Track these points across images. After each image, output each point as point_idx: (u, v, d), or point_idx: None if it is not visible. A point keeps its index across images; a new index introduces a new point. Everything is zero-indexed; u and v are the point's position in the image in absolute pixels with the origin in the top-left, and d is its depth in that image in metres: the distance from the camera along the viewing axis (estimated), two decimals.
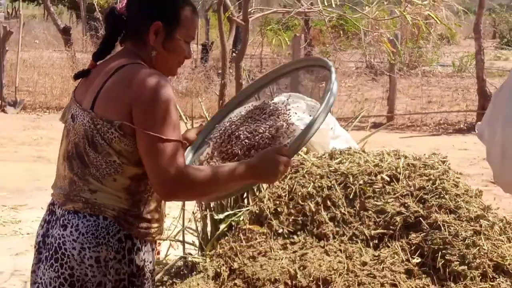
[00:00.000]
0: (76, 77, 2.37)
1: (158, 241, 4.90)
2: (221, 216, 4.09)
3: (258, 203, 3.78)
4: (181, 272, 4.16)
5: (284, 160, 2.19)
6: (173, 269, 4.24)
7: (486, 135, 2.37)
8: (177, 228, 4.58)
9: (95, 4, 17.20)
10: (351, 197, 3.64)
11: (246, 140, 2.48)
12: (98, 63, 2.35)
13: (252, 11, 4.79)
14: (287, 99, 4.45)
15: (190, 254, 4.36)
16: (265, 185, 4.45)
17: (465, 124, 11.78)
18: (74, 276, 2.20)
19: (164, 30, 2.27)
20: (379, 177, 3.73)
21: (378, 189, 3.67)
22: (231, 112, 2.75)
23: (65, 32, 16.63)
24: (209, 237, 4.24)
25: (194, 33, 2.39)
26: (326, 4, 4.59)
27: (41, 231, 2.34)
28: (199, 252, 4.32)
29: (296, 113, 2.60)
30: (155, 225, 2.32)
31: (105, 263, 2.20)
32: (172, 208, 4.35)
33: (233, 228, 3.87)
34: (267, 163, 2.18)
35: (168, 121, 2.12)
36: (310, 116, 2.50)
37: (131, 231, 2.25)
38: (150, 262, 2.34)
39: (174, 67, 2.37)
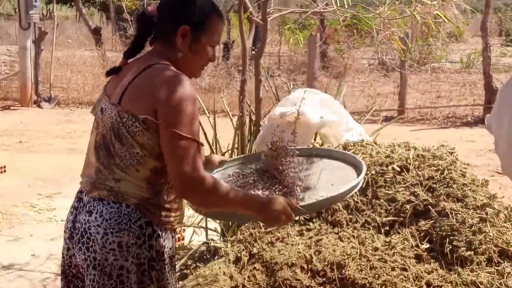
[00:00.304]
0: (108, 73, 2.40)
1: (183, 228, 4.93)
2: None
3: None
4: (204, 257, 4.17)
5: (290, 214, 2.25)
6: (197, 254, 4.26)
7: (494, 127, 2.34)
8: (200, 215, 4.59)
9: (124, 6, 17.24)
10: (363, 186, 3.62)
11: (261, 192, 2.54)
12: (128, 61, 2.37)
13: (270, 11, 4.77)
14: (304, 94, 4.46)
15: (212, 239, 4.37)
16: None
17: (472, 118, 11.68)
18: (96, 260, 2.23)
19: (191, 34, 2.30)
20: (390, 167, 3.71)
21: (389, 179, 3.66)
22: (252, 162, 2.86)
23: (96, 32, 16.69)
24: (230, 224, 4.25)
25: (219, 38, 2.41)
26: (339, 5, 4.57)
27: (71, 217, 2.36)
28: (221, 238, 4.34)
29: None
30: (174, 214, 2.34)
31: (127, 248, 2.22)
32: None
33: None
34: (275, 208, 2.23)
35: (189, 121, 2.14)
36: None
37: (152, 218, 2.27)
38: (170, 249, 2.35)
39: (198, 69, 2.40)
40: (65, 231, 2.38)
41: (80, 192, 2.37)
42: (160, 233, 2.29)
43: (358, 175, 2.56)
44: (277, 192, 2.47)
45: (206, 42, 2.34)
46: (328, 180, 2.61)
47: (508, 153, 2.19)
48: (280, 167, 2.61)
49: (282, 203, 2.25)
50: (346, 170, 2.67)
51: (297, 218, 3.45)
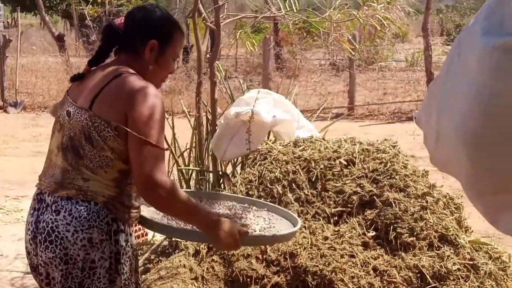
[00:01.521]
0: (72, 79, 2.40)
1: None
2: None
3: (231, 187, 3.79)
4: (166, 251, 4.16)
5: (237, 239, 2.27)
6: (159, 248, 4.24)
7: (423, 121, 2.39)
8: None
9: (86, 13, 17.02)
10: (313, 180, 3.66)
11: None
12: (92, 68, 2.38)
13: (223, 17, 4.77)
14: (257, 94, 4.48)
15: None
16: (239, 171, 4.47)
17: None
18: (68, 255, 2.22)
19: (158, 48, 2.33)
20: (337, 161, 3.75)
21: (337, 172, 3.70)
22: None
23: (59, 39, 16.44)
24: None
25: (180, 52, 2.44)
26: (288, 9, 4.59)
27: (31, 218, 2.33)
28: None
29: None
30: (135, 211, 2.36)
31: (96, 244, 2.23)
32: None
33: None
34: (226, 229, 2.25)
35: (157, 130, 2.17)
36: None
37: (117, 215, 2.28)
38: (131, 242, 2.37)
39: (160, 80, 2.47)
40: (26, 233, 2.35)
41: (39, 193, 2.35)
42: (123, 228, 2.31)
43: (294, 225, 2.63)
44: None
45: (169, 56, 2.39)
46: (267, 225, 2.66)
47: (435, 145, 2.24)
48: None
49: (234, 227, 2.28)
50: (283, 221, 2.73)
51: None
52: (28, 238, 2.35)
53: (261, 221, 2.65)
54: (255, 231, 2.51)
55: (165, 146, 2.23)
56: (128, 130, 2.17)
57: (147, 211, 2.49)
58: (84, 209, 2.22)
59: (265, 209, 2.84)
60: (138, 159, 2.16)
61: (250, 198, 3.12)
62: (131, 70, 2.29)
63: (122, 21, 2.39)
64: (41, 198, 2.33)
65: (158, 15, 2.37)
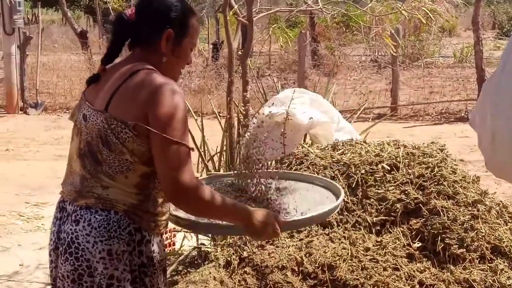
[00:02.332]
0: (88, 82, 2.39)
1: (173, 233, 4.94)
2: None
3: None
4: (195, 262, 4.18)
5: (276, 229, 2.29)
6: (188, 259, 4.26)
7: (477, 122, 2.37)
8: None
9: (110, 8, 17.22)
10: (353, 186, 3.65)
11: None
12: (107, 67, 2.37)
13: (256, 11, 4.78)
14: (292, 94, 4.48)
15: (203, 244, 4.38)
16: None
17: (466, 113, 11.70)
18: (91, 268, 2.23)
19: (174, 38, 2.31)
20: (379, 166, 3.73)
21: (379, 178, 3.68)
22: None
23: (82, 35, 16.67)
24: None
25: (197, 41, 2.44)
26: (326, 2, 4.59)
27: (54, 228, 2.36)
28: (211, 242, 4.34)
29: None
30: (162, 218, 2.35)
31: (117, 256, 2.23)
32: None
33: None
34: (263, 222, 2.27)
35: (181, 128, 2.17)
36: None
37: (141, 224, 2.28)
38: (159, 253, 2.36)
39: (178, 73, 2.43)
40: (49, 243, 2.38)
41: (62, 201, 2.37)
42: (149, 238, 2.31)
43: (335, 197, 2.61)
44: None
45: (187, 45, 2.37)
46: (302, 201, 2.64)
47: (490, 148, 2.21)
48: (253, 185, 2.66)
49: (270, 216, 2.29)
50: (320, 191, 2.72)
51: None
52: (50, 249, 2.38)
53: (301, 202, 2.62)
54: (293, 213, 2.49)
55: (192, 145, 2.23)
56: (150, 129, 2.16)
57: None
58: (103, 218, 2.23)
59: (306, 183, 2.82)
60: (163, 161, 2.16)
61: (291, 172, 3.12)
62: (148, 66, 2.27)
63: (133, 11, 2.35)
64: (63, 207, 2.35)
65: (171, 2, 2.34)
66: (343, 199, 2.63)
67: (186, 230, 3.90)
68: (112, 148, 2.22)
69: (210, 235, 4.42)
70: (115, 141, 2.21)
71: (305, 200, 2.63)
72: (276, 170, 2.87)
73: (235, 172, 2.83)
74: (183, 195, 2.16)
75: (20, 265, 5.06)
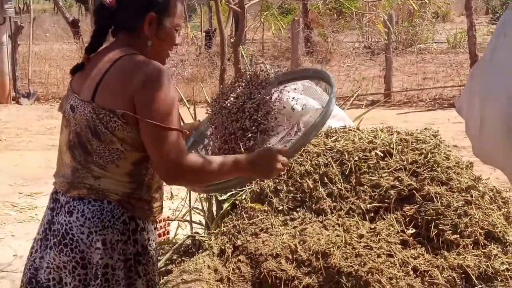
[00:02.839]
0: (72, 72, 2.38)
1: (167, 222, 4.93)
2: (224, 196, 4.10)
3: (259, 182, 3.79)
4: (189, 251, 4.18)
5: (283, 159, 2.28)
6: (182, 248, 4.26)
7: (465, 108, 2.36)
8: (185, 208, 4.60)
9: None
10: (347, 173, 3.64)
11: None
12: (91, 55, 2.35)
13: None
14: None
15: (197, 233, 4.38)
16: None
17: None
18: (85, 259, 2.22)
19: (157, 20, 2.29)
20: (373, 153, 3.73)
21: (372, 165, 3.68)
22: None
23: (74, 24, 16.60)
24: (214, 216, 4.26)
25: (182, 21, 2.40)
26: None
27: (46, 218, 2.35)
28: (206, 231, 4.34)
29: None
30: (156, 204, 2.35)
31: (111, 245, 2.22)
32: (180, 189, 4.36)
33: (236, 207, 3.88)
34: (266, 160, 2.27)
35: (168, 110, 2.15)
36: (307, 110, 2.59)
37: (134, 212, 2.27)
38: (154, 241, 2.36)
39: (165, 55, 2.40)
40: (38, 233, 2.37)
41: (55, 193, 2.35)
42: (143, 226, 2.30)
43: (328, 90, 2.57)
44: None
45: (171, 26, 2.33)
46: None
47: (479, 134, 2.20)
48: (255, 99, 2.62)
49: (270, 152, 2.28)
50: (314, 87, 2.69)
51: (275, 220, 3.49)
52: (37, 238, 2.36)
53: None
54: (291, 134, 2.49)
55: (182, 128, 2.21)
56: (137, 116, 2.15)
57: None
58: (97, 209, 2.22)
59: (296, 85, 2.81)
60: (155, 146, 2.15)
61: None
62: (133, 50, 2.25)
63: None
64: (56, 198, 2.33)
65: None
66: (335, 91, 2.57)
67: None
68: (102, 138, 2.20)
69: (204, 223, 4.42)
70: (104, 130, 2.19)
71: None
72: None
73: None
74: (179, 175, 2.17)
75: (14, 255, 5.06)
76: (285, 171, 3.33)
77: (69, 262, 2.23)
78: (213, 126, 2.73)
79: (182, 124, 2.43)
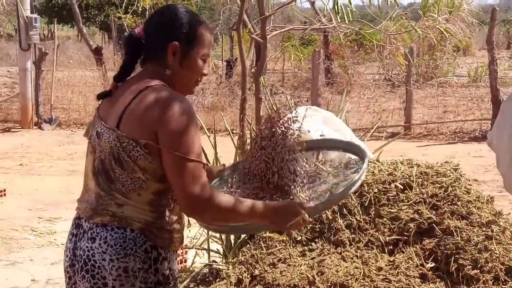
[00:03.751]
0: (99, 97, 2.40)
1: (185, 250, 4.93)
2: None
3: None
4: (207, 279, 4.17)
5: (304, 216, 2.24)
6: (199, 276, 4.25)
7: (495, 142, 2.35)
8: (202, 237, 4.60)
9: (125, 24, 17.36)
10: (366, 205, 3.63)
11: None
12: (119, 84, 2.38)
13: (270, 29, 4.80)
14: (305, 112, 4.48)
15: (214, 261, 4.37)
16: None
17: (480, 132, 11.66)
18: (107, 285, 2.22)
19: (181, 49, 2.31)
20: (393, 185, 3.72)
21: (392, 197, 3.66)
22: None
23: (97, 52, 16.78)
24: (232, 245, 4.25)
25: (209, 51, 2.41)
26: (339, 21, 4.59)
27: (70, 245, 2.36)
28: (223, 260, 4.33)
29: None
30: (177, 235, 2.35)
31: (133, 273, 2.22)
32: None
33: (254, 236, 3.87)
34: (287, 212, 2.24)
35: (191, 143, 2.16)
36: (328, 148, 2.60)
37: (156, 241, 2.27)
38: (175, 270, 2.36)
39: (192, 85, 2.40)
40: (65, 260, 2.38)
41: (78, 218, 2.37)
42: (165, 255, 2.31)
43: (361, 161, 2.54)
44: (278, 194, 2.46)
45: (196, 56, 2.35)
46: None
47: (509, 168, 2.18)
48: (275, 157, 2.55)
49: (293, 206, 2.25)
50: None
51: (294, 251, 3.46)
52: (66, 265, 2.37)
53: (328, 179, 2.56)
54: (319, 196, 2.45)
55: (204, 160, 2.22)
56: (159, 147, 2.17)
57: None
58: (119, 236, 2.23)
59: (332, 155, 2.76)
60: (177, 178, 2.16)
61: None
62: (157, 82, 2.27)
63: (141, 29, 2.37)
64: (79, 224, 2.35)
65: (176, 15, 2.33)
66: (367, 164, 2.55)
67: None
68: (124, 166, 2.22)
69: (221, 251, 4.41)
70: (127, 159, 2.21)
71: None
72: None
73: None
74: (199, 209, 2.17)
75: (32, 280, 5.07)
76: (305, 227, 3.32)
77: None
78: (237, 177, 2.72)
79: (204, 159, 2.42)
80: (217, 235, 4.46)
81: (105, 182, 2.27)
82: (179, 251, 4.89)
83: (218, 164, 4.86)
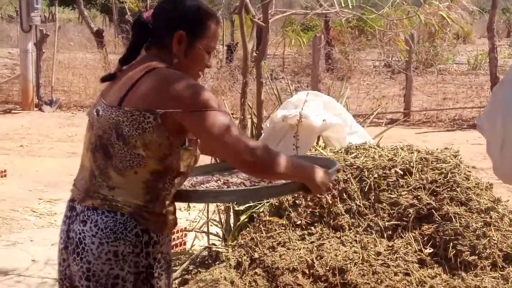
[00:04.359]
0: (103, 80, 2.39)
1: (184, 232, 4.94)
2: (242, 208, 4.09)
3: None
4: (206, 262, 4.17)
5: (328, 183, 2.36)
6: (198, 259, 4.26)
7: (486, 127, 2.35)
8: (202, 219, 4.60)
9: (126, 7, 17.29)
10: (366, 190, 3.63)
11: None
12: (124, 67, 2.37)
13: (272, 13, 4.77)
14: (306, 97, 4.47)
15: (214, 244, 4.37)
16: None
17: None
18: (90, 271, 2.21)
19: (186, 39, 2.30)
20: (393, 171, 3.71)
21: (392, 182, 3.66)
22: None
23: (98, 34, 16.72)
24: (232, 228, 4.26)
25: (215, 44, 2.41)
26: (343, 5, 4.56)
27: (64, 227, 2.35)
28: (223, 243, 4.34)
29: None
30: (171, 217, 2.33)
31: (123, 257, 2.21)
32: None
33: (254, 219, 3.88)
34: (324, 176, 2.31)
35: (211, 103, 2.16)
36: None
37: (148, 225, 2.25)
38: (167, 253, 2.34)
39: (194, 76, 2.39)
40: (59, 242, 2.37)
41: (72, 200, 2.36)
42: (157, 239, 2.28)
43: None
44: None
45: (202, 48, 2.34)
46: None
47: (500, 154, 2.19)
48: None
49: (326, 173, 2.33)
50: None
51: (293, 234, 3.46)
52: (61, 247, 2.36)
53: None
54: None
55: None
56: (183, 111, 2.14)
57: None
58: (110, 220, 2.21)
59: None
60: (213, 138, 2.15)
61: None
62: (163, 64, 2.27)
63: (150, 13, 2.36)
64: (73, 206, 2.34)
65: (186, 4, 2.32)
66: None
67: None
68: (127, 141, 2.19)
69: (221, 234, 4.41)
70: (131, 133, 2.18)
71: None
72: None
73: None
74: (263, 159, 2.17)
75: (32, 260, 5.08)
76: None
77: (77, 271, 2.24)
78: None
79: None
80: (216, 218, 4.47)
81: (102, 158, 2.25)
82: (178, 234, 4.90)
83: None
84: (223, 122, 2.15)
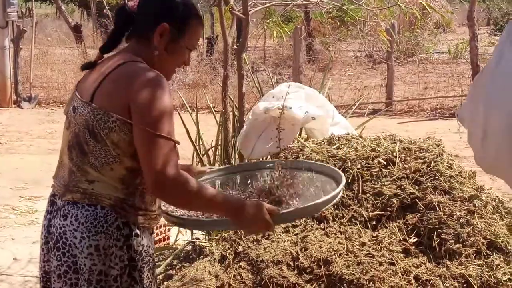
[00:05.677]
0: (83, 68, 2.38)
1: (167, 227, 4.92)
2: None
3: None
4: (190, 256, 4.17)
5: (267, 221, 2.17)
6: (182, 254, 4.25)
7: (467, 117, 2.35)
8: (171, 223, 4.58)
9: (105, 1, 17.14)
10: (349, 181, 3.62)
11: None
12: (104, 56, 2.35)
13: (252, 4, 4.76)
14: (288, 88, 4.46)
15: (197, 238, 4.37)
16: None
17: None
18: (77, 264, 2.21)
19: (169, 33, 2.28)
20: (376, 161, 3.71)
21: (375, 173, 3.66)
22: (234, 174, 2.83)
23: (76, 29, 16.62)
24: None
25: (197, 43, 2.40)
26: None
27: (45, 222, 2.35)
28: (206, 237, 4.33)
29: None
30: (151, 212, 2.33)
31: (104, 251, 2.20)
32: None
33: None
34: (254, 213, 2.16)
35: (162, 119, 2.12)
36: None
37: (128, 218, 2.25)
38: (149, 247, 2.33)
39: (170, 71, 2.38)
40: (41, 237, 2.37)
41: (53, 195, 2.35)
42: (138, 232, 2.28)
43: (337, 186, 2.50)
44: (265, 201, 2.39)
45: (183, 45, 2.33)
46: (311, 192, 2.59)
47: (481, 144, 2.19)
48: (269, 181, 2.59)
49: (259, 208, 2.17)
50: (326, 182, 2.65)
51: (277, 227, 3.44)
52: (41, 243, 2.36)
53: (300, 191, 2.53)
54: (290, 204, 2.40)
55: (176, 139, 2.16)
56: (131, 122, 2.13)
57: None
58: (90, 213, 2.21)
59: (308, 171, 2.73)
60: (145, 154, 2.11)
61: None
62: (137, 58, 2.24)
63: (136, 3, 2.34)
64: (54, 201, 2.33)
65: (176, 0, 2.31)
66: (343, 189, 2.50)
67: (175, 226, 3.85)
68: (98, 138, 2.19)
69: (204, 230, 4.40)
70: (100, 132, 2.18)
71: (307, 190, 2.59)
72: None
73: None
74: (164, 188, 2.11)
75: (13, 259, 5.05)
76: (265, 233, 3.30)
77: (59, 266, 2.23)
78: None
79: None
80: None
81: (78, 155, 2.24)
82: (162, 229, 4.88)
83: (200, 141, 4.85)
84: (166, 151, 2.10)
